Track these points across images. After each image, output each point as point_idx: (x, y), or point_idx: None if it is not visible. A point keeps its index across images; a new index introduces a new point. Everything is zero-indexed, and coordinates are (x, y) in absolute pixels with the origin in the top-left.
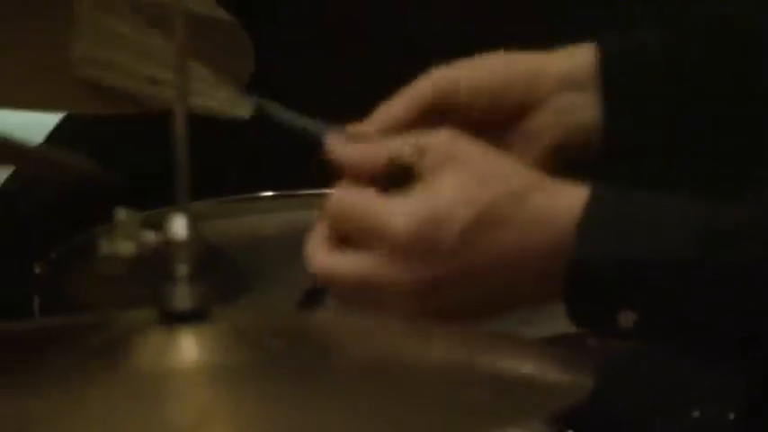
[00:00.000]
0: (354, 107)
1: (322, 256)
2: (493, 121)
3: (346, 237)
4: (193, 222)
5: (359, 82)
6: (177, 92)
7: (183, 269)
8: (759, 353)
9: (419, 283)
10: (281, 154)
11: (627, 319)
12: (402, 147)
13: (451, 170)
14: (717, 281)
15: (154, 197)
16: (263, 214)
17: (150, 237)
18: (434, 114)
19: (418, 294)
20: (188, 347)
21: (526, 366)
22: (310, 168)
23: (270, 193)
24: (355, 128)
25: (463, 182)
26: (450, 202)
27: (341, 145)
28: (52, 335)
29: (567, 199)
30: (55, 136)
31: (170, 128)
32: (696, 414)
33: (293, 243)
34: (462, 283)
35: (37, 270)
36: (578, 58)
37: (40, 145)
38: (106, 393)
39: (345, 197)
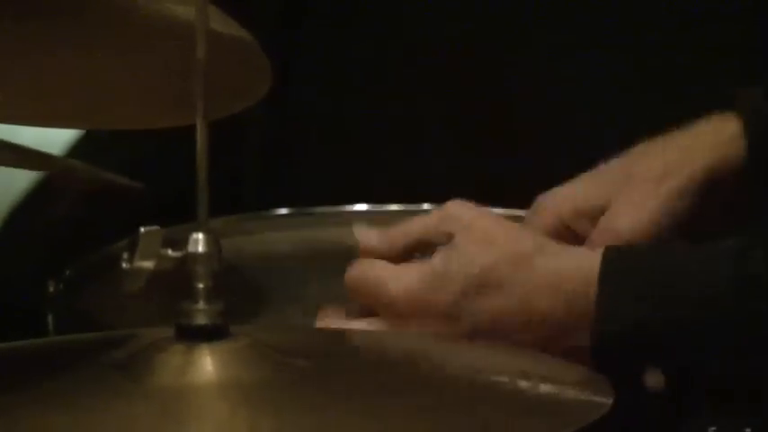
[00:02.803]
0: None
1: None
2: None
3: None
4: (214, 239)
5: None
6: (198, 108)
7: (202, 285)
8: None
9: None
10: (299, 167)
11: (656, 379)
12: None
13: (457, 236)
14: (749, 330)
15: (173, 214)
16: (277, 231)
17: (170, 252)
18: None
19: None
20: (206, 364)
21: (545, 384)
22: (327, 182)
23: (285, 211)
24: None
25: (466, 245)
26: (449, 264)
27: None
28: (73, 351)
29: (576, 261)
30: (72, 154)
31: (187, 144)
32: (713, 430)
33: (308, 260)
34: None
35: (50, 288)
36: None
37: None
38: (125, 409)
39: (358, 269)
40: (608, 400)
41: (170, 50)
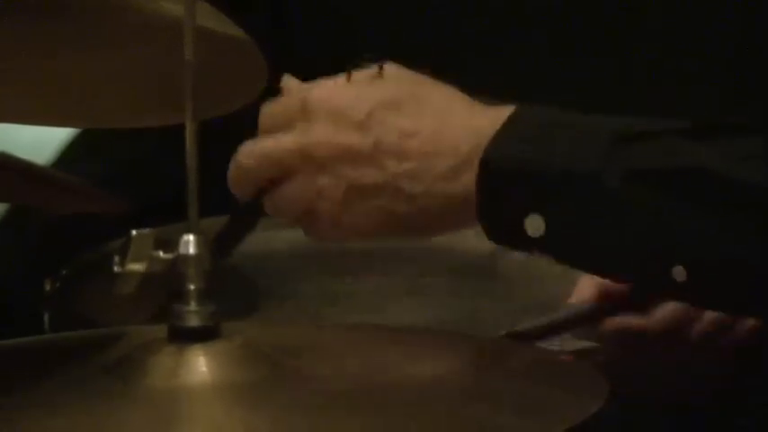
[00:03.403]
0: None
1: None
2: None
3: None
4: (204, 241)
5: None
6: (187, 111)
7: (193, 287)
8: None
9: (335, 150)
10: None
11: (536, 228)
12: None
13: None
14: (623, 192)
15: (166, 214)
16: (275, 231)
17: (162, 254)
18: None
19: (335, 166)
20: (199, 365)
21: (534, 381)
22: None
23: None
24: None
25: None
26: (368, 81)
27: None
28: (64, 351)
29: (490, 108)
30: (68, 153)
31: (181, 145)
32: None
33: (306, 259)
34: (376, 159)
35: (47, 287)
36: None
37: (47, 167)
38: (118, 411)
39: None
40: (600, 399)
41: (168, 49)
